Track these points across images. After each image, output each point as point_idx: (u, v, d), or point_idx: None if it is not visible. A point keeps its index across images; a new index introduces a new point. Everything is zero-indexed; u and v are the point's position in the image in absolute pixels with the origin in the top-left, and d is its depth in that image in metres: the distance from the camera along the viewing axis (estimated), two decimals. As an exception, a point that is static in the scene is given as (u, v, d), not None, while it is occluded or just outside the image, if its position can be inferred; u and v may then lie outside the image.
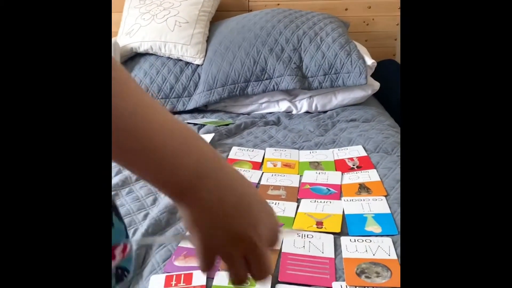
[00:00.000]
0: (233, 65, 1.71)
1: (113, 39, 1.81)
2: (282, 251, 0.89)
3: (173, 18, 1.82)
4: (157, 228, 0.97)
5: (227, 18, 1.95)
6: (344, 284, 0.79)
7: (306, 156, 1.34)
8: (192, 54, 1.77)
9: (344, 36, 1.72)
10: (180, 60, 1.79)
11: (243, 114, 1.76)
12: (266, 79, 1.70)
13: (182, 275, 0.82)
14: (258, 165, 1.30)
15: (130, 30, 1.85)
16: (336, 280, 0.80)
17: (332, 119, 1.63)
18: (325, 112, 1.74)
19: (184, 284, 0.80)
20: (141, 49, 1.80)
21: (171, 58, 1.79)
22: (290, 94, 1.77)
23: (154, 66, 1.77)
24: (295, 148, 1.40)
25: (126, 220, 1.00)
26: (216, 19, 1.97)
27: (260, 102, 1.76)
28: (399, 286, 0.78)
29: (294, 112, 1.75)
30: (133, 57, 1.84)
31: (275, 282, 0.81)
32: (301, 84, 1.68)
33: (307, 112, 1.74)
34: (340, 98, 1.73)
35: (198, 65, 1.78)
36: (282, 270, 0.83)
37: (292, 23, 1.78)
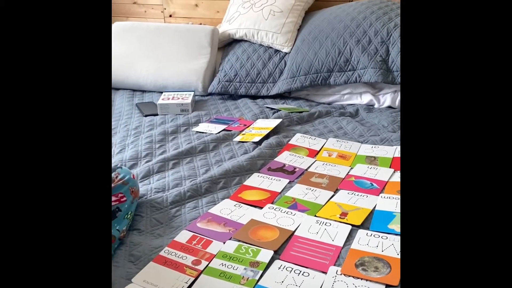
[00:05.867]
0: (317, 55, 1.73)
1: (212, 26, 1.98)
2: (295, 233, 0.93)
3: (269, 7, 1.91)
4: (196, 193, 1.09)
5: (325, 8, 1.97)
6: (339, 270, 0.80)
7: (366, 150, 1.32)
8: (281, 42, 1.84)
9: (440, 30, 1.60)
10: (270, 47, 1.88)
11: (324, 103, 1.78)
12: (349, 70, 1.69)
13: (204, 239, 0.92)
14: (314, 153, 1.32)
15: (231, 17, 2.00)
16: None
17: (411, 117, 1.55)
18: (409, 109, 1.65)
19: (201, 247, 0.89)
20: (237, 36, 1.94)
21: (263, 45, 1.89)
22: (375, 87, 1.73)
23: (246, 52, 1.89)
24: (359, 142, 1.39)
25: (174, 183, 1.14)
26: (315, 9, 2.00)
27: (343, 93, 1.75)
28: (392, 284, 0.76)
29: (376, 106, 1.70)
30: (230, 43, 1.99)
31: (276, 258, 0.86)
32: (384, 78, 1.63)
33: (389, 107, 1.68)
34: (426, 96, 1.62)
35: (286, 53, 1.85)
36: (286, 250, 0.87)
37: (386, 15, 1.72)
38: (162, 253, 0.86)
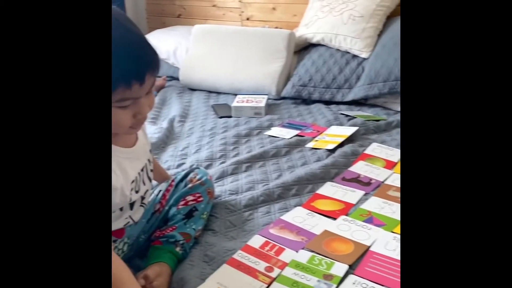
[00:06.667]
0: (398, 61, 1.66)
1: (290, 30, 1.98)
2: (370, 249, 0.89)
3: (349, 12, 1.87)
4: (269, 198, 1.09)
5: (408, 13, 1.88)
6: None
7: (448, 164, 1.24)
8: (360, 47, 1.80)
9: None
10: (348, 52, 1.84)
11: (402, 112, 1.70)
12: (432, 79, 1.60)
13: (277, 247, 0.91)
14: (391, 165, 1.27)
15: (308, 21, 1.99)
16: (413, 290, 0.77)
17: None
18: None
19: (274, 254, 0.89)
20: (314, 40, 1.92)
21: (340, 50, 1.86)
22: (459, 98, 1.62)
23: (322, 56, 1.87)
24: (441, 155, 1.31)
25: (247, 187, 1.15)
26: (397, 14, 1.92)
27: (423, 102, 1.67)
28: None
29: (460, 118, 1.60)
30: (306, 47, 1.98)
31: (350, 272, 0.83)
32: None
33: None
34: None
35: (364, 59, 1.80)
36: (361, 266, 0.84)
37: (476, 20, 1.61)
38: (235, 256, 0.87)
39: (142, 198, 0.88)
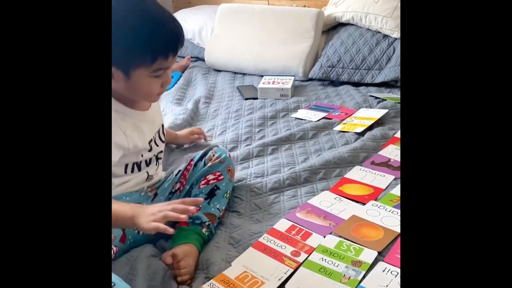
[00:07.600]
0: (432, 41, 1.59)
1: (318, 9, 1.92)
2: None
3: (380, -11, 1.79)
4: (295, 181, 1.06)
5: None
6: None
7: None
8: (391, 27, 1.73)
9: None
10: (379, 32, 1.77)
11: (434, 95, 1.64)
12: (468, 59, 1.52)
13: (304, 231, 0.89)
14: (423, 149, 1.22)
15: (337, 0, 1.92)
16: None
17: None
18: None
19: (300, 238, 0.87)
20: (343, 19, 1.86)
21: (370, 30, 1.79)
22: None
23: (352, 36, 1.81)
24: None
25: (273, 170, 1.13)
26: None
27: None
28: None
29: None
30: (335, 26, 1.92)
31: (380, 259, 0.80)
32: None
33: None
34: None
35: (395, 39, 1.73)
36: (391, 253, 0.81)
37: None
38: (261, 239, 0.86)
39: (157, 158, 0.96)
